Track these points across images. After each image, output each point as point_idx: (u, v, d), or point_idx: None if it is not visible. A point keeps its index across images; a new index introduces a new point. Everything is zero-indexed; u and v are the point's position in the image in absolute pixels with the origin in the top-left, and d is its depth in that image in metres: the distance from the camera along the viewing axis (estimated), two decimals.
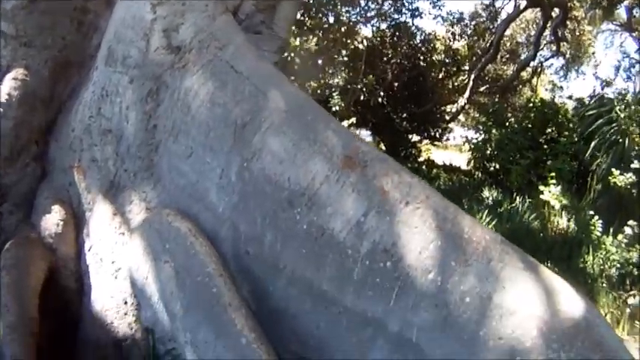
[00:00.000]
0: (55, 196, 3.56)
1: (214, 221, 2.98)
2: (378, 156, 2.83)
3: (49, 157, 3.74)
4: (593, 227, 7.10)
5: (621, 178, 7.64)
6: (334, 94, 12.75)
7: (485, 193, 9.54)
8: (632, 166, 7.64)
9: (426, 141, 17.97)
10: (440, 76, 17.58)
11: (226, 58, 3.21)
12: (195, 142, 3.06)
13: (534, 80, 21.06)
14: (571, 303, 2.60)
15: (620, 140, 8.42)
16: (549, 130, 11.31)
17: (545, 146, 10.84)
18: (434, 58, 16.93)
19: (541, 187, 8.56)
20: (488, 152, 11.87)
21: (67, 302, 3.32)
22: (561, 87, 22.32)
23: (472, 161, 12.76)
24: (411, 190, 2.69)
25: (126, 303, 3.13)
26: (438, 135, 18.02)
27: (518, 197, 9.17)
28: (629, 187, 7.61)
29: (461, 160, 15.64)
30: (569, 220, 7.76)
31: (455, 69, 18.04)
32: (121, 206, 3.30)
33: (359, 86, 12.39)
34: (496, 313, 2.54)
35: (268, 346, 2.64)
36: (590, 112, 9.95)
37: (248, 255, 2.88)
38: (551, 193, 8.19)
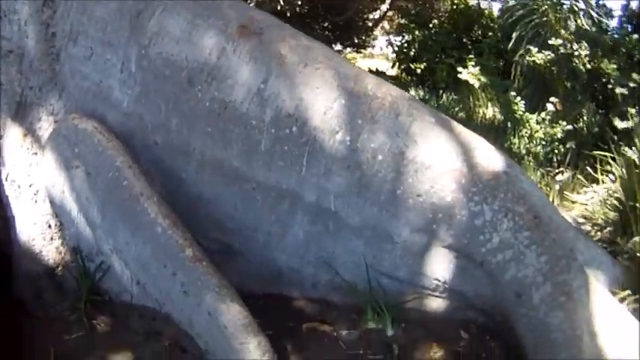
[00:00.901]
0: None
1: (121, 118, 2.89)
2: (274, 23, 2.78)
3: None
4: (516, 107, 7.12)
5: (540, 56, 7.60)
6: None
7: (412, 92, 9.38)
8: (550, 42, 7.61)
9: (349, 49, 17.61)
10: None
11: None
12: (95, 41, 2.95)
13: None
14: (489, 157, 2.59)
15: (542, 32, 8.34)
16: (474, 32, 11.31)
17: (470, 47, 10.81)
18: None
19: (459, 69, 8.54)
20: (412, 53, 11.76)
21: None
22: None
23: (397, 64, 12.55)
24: (310, 53, 2.64)
25: (50, 226, 3.05)
26: (361, 42, 17.64)
27: (444, 95, 9.21)
28: (548, 64, 7.62)
29: (387, 66, 15.26)
30: (492, 105, 7.76)
31: None
32: (31, 125, 3.18)
33: None
34: (411, 168, 2.52)
35: (184, 231, 2.59)
36: (513, 5, 9.81)
37: (157, 145, 2.81)
38: (470, 73, 8.17)
